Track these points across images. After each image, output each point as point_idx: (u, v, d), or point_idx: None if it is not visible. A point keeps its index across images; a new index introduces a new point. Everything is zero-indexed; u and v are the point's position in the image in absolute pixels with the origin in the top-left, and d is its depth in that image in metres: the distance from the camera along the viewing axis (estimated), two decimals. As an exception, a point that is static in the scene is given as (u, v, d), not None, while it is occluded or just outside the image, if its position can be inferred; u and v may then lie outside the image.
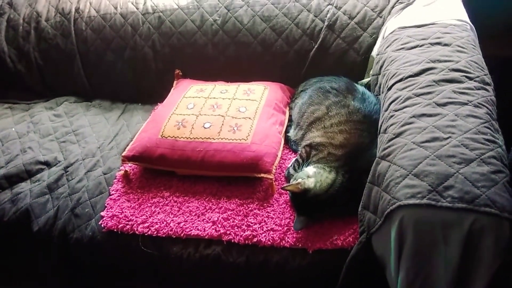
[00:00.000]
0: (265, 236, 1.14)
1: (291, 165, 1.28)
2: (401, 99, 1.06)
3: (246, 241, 1.14)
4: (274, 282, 1.14)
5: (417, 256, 0.84)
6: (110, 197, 1.31)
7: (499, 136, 0.96)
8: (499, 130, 0.97)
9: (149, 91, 1.70)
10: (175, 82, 1.64)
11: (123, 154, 1.34)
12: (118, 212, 1.26)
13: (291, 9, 1.55)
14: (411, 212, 0.84)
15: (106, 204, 1.29)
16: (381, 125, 1.10)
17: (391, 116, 1.05)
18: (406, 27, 1.29)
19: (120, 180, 1.35)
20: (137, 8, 1.68)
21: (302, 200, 1.12)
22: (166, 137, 1.31)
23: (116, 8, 1.69)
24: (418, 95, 1.04)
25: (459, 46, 1.16)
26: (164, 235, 1.19)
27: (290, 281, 1.12)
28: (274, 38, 1.54)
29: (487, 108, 0.99)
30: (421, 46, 1.19)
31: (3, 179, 1.41)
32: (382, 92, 1.22)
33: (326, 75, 1.46)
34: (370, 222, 0.97)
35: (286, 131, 1.42)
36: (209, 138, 1.27)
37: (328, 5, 1.52)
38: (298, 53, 1.53)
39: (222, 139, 1.27)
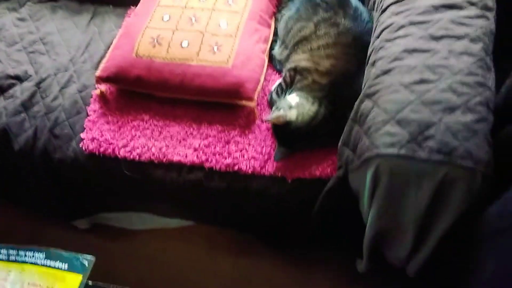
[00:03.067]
0: (245, 164, 1.15)
1: (274, 89, 1.23)
2: (395, 26, 0.97)
3: (228, 169, 1.16)
4: (254, 206, 1.20)
5: (388, 197, 0.87)
6: (88, 118, 1.28)
7: (491, 74, 0.91)
8: (491, 68, 0.92)
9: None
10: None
11: (97, 74, 1.25)
12: (98, 135, 1.24)
13: None
14: (388, 161, 0.84)
15: (85, 126, 1.27)
16: (369, 56, 1.02)
17: (381, 48, 0.97)
18: None
19: (96, 100, 1.30)
20: None
21: (283, 132, 1.10)
22: (141, 56, 1.21)
23: None
24: (413, 24, 0.95)
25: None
26: (146, 160, 1.20)
27: (269, 206, 1.18)
28: None
29: (484, 41, 0.92)
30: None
31: (-27, 96, 1.35)
32: (376, 11, 1.11)
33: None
34: (348, 159, 0.97)
35: (271, 47, 1.33)
36: (187, 59, 1.19)
37: None
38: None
39: (201, 61, 1.18)
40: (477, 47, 0.90)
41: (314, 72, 1.13)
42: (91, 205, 1.44)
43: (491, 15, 0.97)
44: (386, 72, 0.92)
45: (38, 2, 1.59)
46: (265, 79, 1.26)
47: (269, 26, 1.33)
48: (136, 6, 1.50)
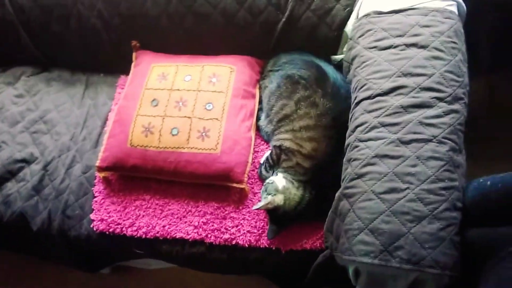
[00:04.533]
0: (242, 238, 1.26)
1: (263, 164, 1.31)
2: (367, 126, 1.03)
3: (226, 243, 1.27)
4: (254, 272, 1.32)
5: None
6: (95, 199, 1.39)
7: (459, 170, 0.97)
8: (460, 165, 0.98)
9: (106, 61, 1.56)
10: (134, 54, 1.50)
11: (96, 164, 1.35)
12: (106, 216, 1.35)
13: None
14: (364, 265, 0.94)
15: (93, 207, 1.38)
16: (346, 147, 1.09)
17: (355, 147, 1.03)
18: (382, 14, 1.12)
19: (100, 181, 1.40)
20: (71, -32, 1.40)
21: (272, 214, 1.19)
22: (136, 146, 1.30)
23: (45, -33, 1.41)
24: (384, 125, 1.00)
25: (436, 49, 1.04)
26: (152, 237, 1.32)
27: (268, 272, 1.30)
28: (235, 8, 1.34)
29: (451, 140, 0.97)
30: (395, 47, 1.07)
31: (-11, 184, 1.46)
32: (353, 92, 1.16)
33: (297, 50, 1.32)
34: (332, 245, 1.07)
35: (257, 117, 1.38)
36: (178, 147, 1.26)
37: None
38: (265, 25, 1.36)
39: (192, 148, 1.26)
40: (444, 149, 0.96)
41: (297, 154, 1.20)
42: (110, 259, 1.59)
43: (461, 105, 1.01)
44: (360, 176, 0.99)
45: (32, 74, 1.64)
46: (254, 151, 1.34)
47: (253, 96, 1.38)
48: (125, 75, 1.57)
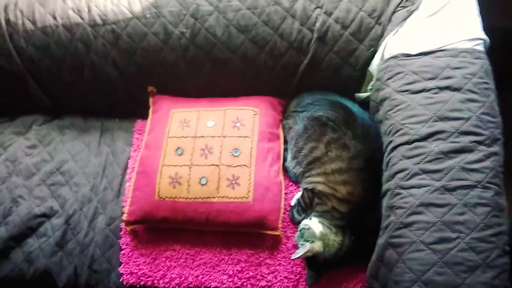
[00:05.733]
0: (279, 285, 1.24)
1: (294, 207, 1.29)
2: (408, 173, 1.02)
3: (263, 290, 1.25)
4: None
5: None
6: (122, 252, 1.35)
7: (504, 214, 0.97)
8: (504, 208, 0.98)
9: (122, 107, 1.53)
10: (150, 100, 1.47)
11: (124, 218, 1.31)
12: (136, 269, 1.32)
13: (272, 16, 1.28)
14: (418, 318, 0.93)
15: (121, 260, 1.34)
16: (385, 192, 1.08)
17: (397, 194, 1.03)
18: (410, 56, 1.12)
19: (126, 232, 1.37)
20: (82, 18, 1.36)
21: (312, 262, 1.18)
22: (164, 198, 1.27)
23: (55, 18, 1.37)
24: (425, 172, 1.00)
25: (470, 91, 1.04)
26: (185, 288, 1.29)
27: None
28: (256, 52, 1.32)
29: (495, 185, 0.98)
30: (428, 90, 1.06)
31: (9, 241, 1.41)
32: (385, 134, 1.15)
33: (319, 90, 1.31)
34: (378, 293, 1.06)
35: (284, 157, 1.37)
36: (209, 197, 1.24)
37: (316, 8, 1.24)
38: (286, 68, 1.34)
39: (222, 197, 1.24)
40: (489, 194, 0.96)
41: (332, 198, 1.19)
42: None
43: (498, 146, 1.01)
44: (406, 225, 0.99)
45: (43, 123, 1.60)
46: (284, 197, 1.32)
47: (278, 137, 1.37)
48: (141, 119, 1.54)
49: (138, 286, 1.32)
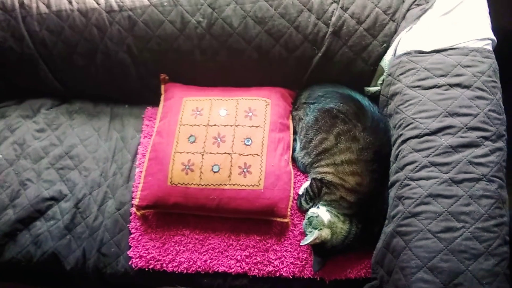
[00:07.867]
0: (286, 270, 1.29)
1: (302, 196, 1.33)
2: (417, 165, 1.07)
3: (269, 275, 1.29)
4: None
5: None
6: (131, 236, 1.37)
7: (506, 206, 1.03)
8: (506, 200, 1.03)
9: (132, 93, 1.54)
10: (162, 87, 1.49)
11: (135, 203, 1.34)
12: (145, 253, 1.35)
13: (289, 9, 1.30)
14: (423, 304, 0.98)
15: (130, 244, 1.37)
16: (393, 183, 1.12)
17: (406, 185, 1.07)
18: (423, 53, 1.16)
19: (136, 217, 1.39)
20: (98, 4, 1.37)
21: (319, 248, 1.22)
22: (176, 184, 1.29)
23: (70, 2, 1.37)
24: (434, 165, 1.05)
25: (479, 88, 1.09)
26: (193, 272, 1.33)
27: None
28: (271, 44, 1.35)
29: (499, 178, 1.03)
30: (439, 86, 1.11)
31: (17, 223, 1.42)
32: (395, 128, 1.19)
33: (330, 82, 1.34)
34: (383, 279, 1.11)
35: (293, 147, 1.40)
36: (220, 184, 1.27)
37: (332, 2, 1.27)
38: (300, 60, 1.37)
39: (234, 185, 1.27)
40: (493, 187, 1.01)
41: (341, 188, 1.24)
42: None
43: (503, 142, 1.07)
44: (414, 215, 1.03)
45: (51, 107, 1.60)
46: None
47: (288, 128, 1.40)
48: (151, 106, 1.55)
49: (146, 269, 1.35)
